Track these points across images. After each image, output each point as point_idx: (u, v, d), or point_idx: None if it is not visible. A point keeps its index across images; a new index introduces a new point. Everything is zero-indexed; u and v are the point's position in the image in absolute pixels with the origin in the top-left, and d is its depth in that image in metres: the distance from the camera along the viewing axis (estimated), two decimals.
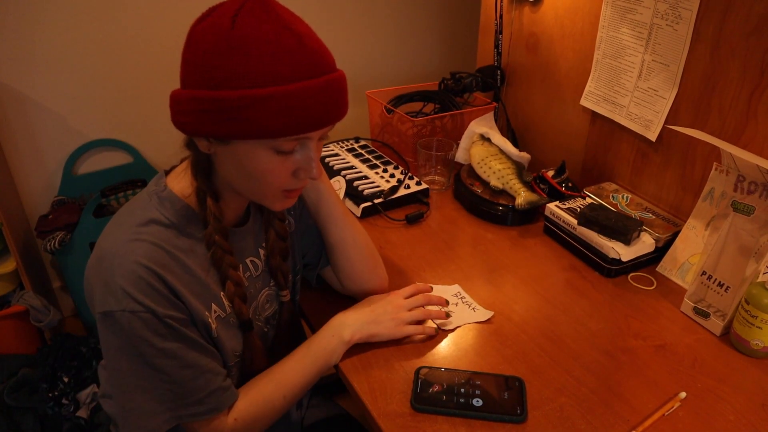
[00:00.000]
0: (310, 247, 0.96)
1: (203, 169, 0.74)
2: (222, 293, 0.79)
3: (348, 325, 0.87)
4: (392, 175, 1.35)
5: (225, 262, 0.77)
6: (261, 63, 0.62)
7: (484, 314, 0.91)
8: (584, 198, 1.22)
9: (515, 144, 1.49)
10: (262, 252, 0.87)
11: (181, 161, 0.80)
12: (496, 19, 1.48)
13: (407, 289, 0.95)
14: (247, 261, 0.85)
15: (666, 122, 1.13)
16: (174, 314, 0.69)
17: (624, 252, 1.05)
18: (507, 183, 1.26)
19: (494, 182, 1.27)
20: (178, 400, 0.71)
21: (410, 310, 0.92)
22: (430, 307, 0.95)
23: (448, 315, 0.95)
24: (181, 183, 0.76)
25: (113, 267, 0.68)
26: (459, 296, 0.99)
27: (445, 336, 0.93)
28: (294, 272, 0.95)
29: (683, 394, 0.81)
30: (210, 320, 0.76)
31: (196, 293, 0.74)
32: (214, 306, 0.77)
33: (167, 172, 0.79)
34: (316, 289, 1.02)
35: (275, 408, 0.81)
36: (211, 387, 0.74)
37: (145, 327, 0.67)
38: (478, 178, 1.32)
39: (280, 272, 0.89)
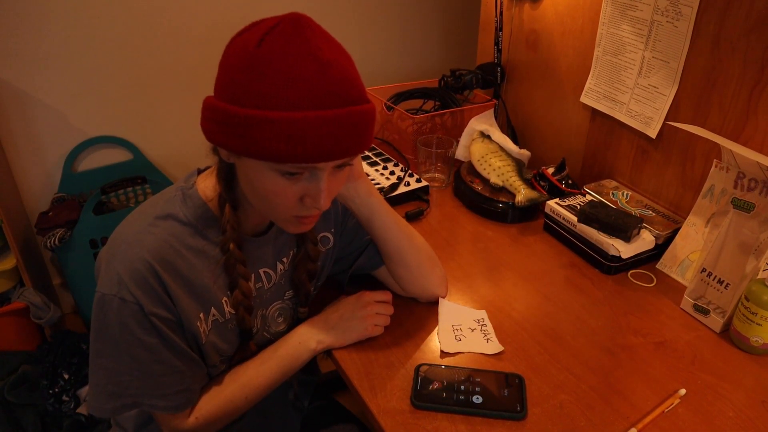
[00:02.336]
0: (356, 253, 0.96)
1: (226, 176, 0.74)
2: (225, 299, 0.79)
3: (315, 334, 0.87)
4: (392, 173, 1.35)
5: (237, 272, 0.77)
6: (273, 86, 0.62)
7: (494, 347, 0.89)
8: (584, 195, 1.22)
9: (515, 141, 1.49)
10: (280, 266, 0.87)
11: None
12: (496, 16, 1.48)
13: (380, 295, 0.94)
14: (260, 272, 0.84)
15: (666, 119, 1.13)
16: (160, 313, 0.71)
17: (624, 249, 1.05)
18: (507, 180, 1.26)
19: (494, 179, 1.27)
20: (144, 388, 0.73)
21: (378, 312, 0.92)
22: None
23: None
24: (208, 184, 0.77)
25: (119, 253, 0.71)
26: (480, 323, 0.95)
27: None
28: (314, 288, 0.95)
29: (683, 391, 0.81)
30: (202, 326, 0.76)
31: (194, 295, 0.75)
32: (213, 310, 0.78)
33: (200, 171, 0.80)
34: (317, 289, 1.02)
35: (237, 408, 0.82)
36: (179, 387, 0.75)
37: (131, 316, 0.69)
38: (478, 175, 1.32)
39: (303, 290, 0.89)
